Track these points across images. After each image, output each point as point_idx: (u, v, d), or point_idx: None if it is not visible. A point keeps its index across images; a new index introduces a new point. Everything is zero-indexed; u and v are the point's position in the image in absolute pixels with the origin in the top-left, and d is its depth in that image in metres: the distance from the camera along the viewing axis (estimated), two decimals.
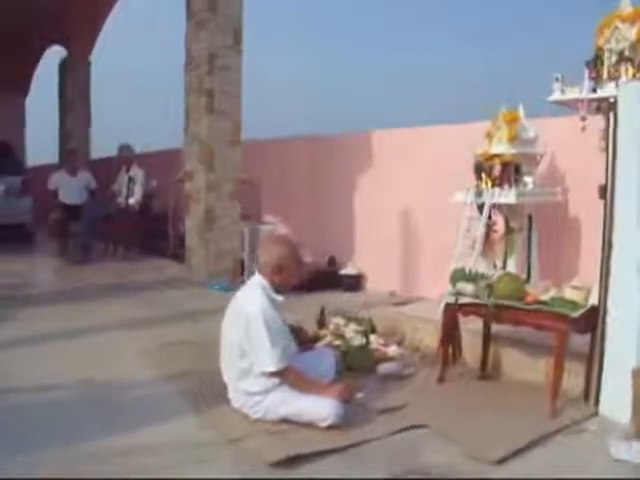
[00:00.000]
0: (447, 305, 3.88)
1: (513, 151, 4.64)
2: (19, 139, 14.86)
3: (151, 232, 8.79)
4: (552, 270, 4.76)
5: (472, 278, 3.91)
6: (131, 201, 8.31)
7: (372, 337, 4.63)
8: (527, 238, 4.87)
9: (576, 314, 3.27)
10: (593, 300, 3.45)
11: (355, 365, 4.03)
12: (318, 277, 6.99)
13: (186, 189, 6.79)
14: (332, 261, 7.42)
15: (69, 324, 5.05)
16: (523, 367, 3.96)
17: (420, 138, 6.33)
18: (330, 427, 3.09)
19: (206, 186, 6.49)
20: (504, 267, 4.72)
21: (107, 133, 10.75)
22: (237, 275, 6.78)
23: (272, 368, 3.13)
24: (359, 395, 3.31)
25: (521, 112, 4.79)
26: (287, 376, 3.17)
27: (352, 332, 4.66)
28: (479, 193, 4.74)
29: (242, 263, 6.97)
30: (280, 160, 8.25)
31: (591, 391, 3.49)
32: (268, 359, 3.13)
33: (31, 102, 15.29)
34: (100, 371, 3.96)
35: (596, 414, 3.38)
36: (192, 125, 6.55)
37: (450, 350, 3.97)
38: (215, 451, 2.92)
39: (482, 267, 4.71)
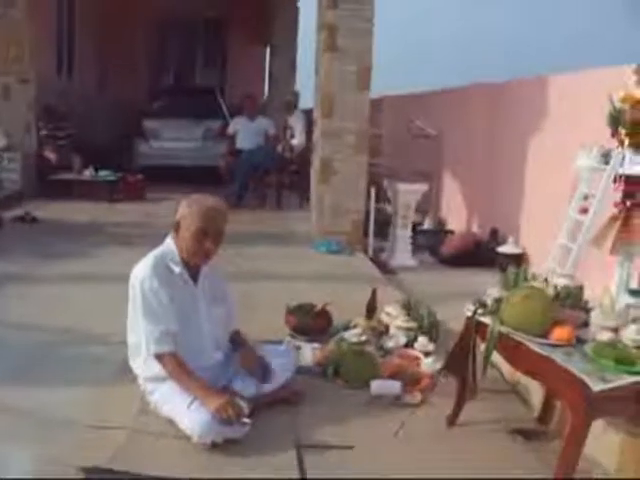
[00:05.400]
0: (467, 319, 2.65)
1: None
2: (259, 88, 15.31)
3: None
4: None
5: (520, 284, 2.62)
6: (294, 142, 7.92)
7: (420, 339, 3.55)
8: None
9: (600, 386, 1.88)
10: None
11: (346, 375, 3.05)
12: (474, 251, 5.92)
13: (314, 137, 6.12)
14: (494, 234, 6.17)
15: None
16: (594, 436, 2.54)
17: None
18: (204, 446, 2.36)
19: (322, 134, 5.72)
20: None
21: None
22: (355, 238, 5.95)
23: (145, 350, 2.51)
24: (245, 420, 2.42)
25: None
26: (165, 365, 2.49)
27: (396, 328, 3.64)
28: (606, 156, 3.24)
29: (366, 226, 6.11)
30: (459, 112, 7.11)
31: None
32: (144, 338, 2.51)
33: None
34: (92, 323, 3.66)
35: None
36: (319, 66, 5.81)
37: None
38: (47, 431, 2.48)
39: (620, 271, 3.27)
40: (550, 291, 2.37)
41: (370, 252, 6.10)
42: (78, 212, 7.15)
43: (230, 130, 8.68)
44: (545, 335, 2.16)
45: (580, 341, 2.21)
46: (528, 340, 2.14)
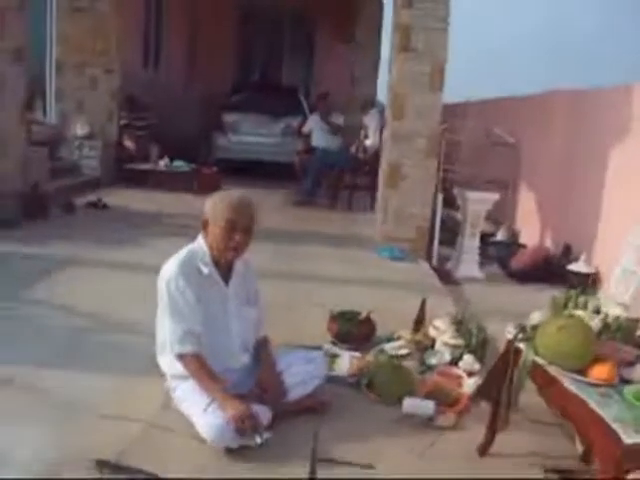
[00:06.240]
0: (508, 342, 2.46)
1: None
2: (344, 86, 15.18)
3: None
4: None
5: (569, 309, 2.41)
6: (367, 142, 7.80)
7: (466, 357, 3.36)
8: None
9: (633, 439, 1.64)
10: None
11: (379, 389, 2.91)
12: (545, 267, 5.65)
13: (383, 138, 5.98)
14: (567, 250, 5.86)
15: None
16: None
17: None
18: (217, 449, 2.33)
19: (392, 137, 5.56)
20: None
21: None
22: (420, 245, 5.77)
23: (168, 349, 2.50)
24: (264, 435, 2.34)
25: None
26: (186, 365, 2.46)
27: (442, 343, 3.46)
28: None
29: (431, 234, 5.91)
30: (538, 120, 6.82)
31: None
32: (168, 337, 2.49)
33: None
34: (132, 312, 3.67)
35: None
36: (392, 66, 5.66)
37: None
38: (64, 416, 2.52)
39: None
40: (596, 322, 2.14)
41: (434, 260, 5.90)
42: (149, 201, 7.31)
43: (305, 129, 8.67)
44: (583, 371, 1.94)
45: (625, 382, 1.98)
46: (561, 375, 1.94)
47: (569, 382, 1.90)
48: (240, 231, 2.50)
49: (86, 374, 2.89)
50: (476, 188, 6.04)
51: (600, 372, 1.90)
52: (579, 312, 2.19)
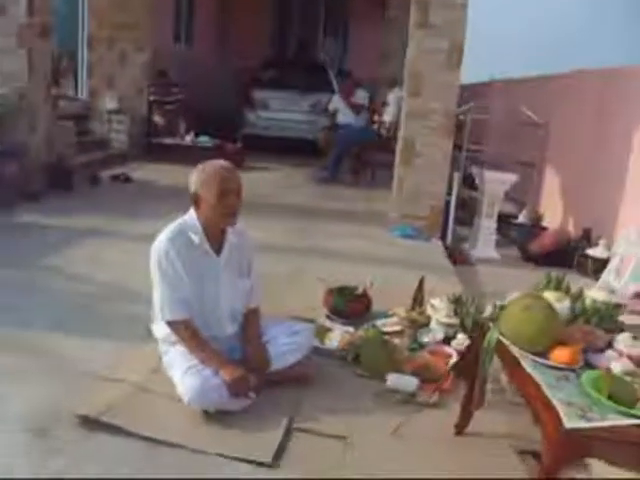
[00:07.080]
0: (483, 322, 2.48)
1: None
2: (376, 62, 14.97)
3: None
4: None
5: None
6: (385, 118, 7.80)
7: (460, 336, 3.39)
8: None
9: (574, 424, 1.63)
10: None
11: (365, 363, 2.97)
12: (564, 251, 5.60)
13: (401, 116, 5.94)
14: (586, 234, 5.79)
15: None
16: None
17: None
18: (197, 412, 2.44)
19: (408, 114, 5.52)
20: None
21: None
22: (434, 224, 5.76)
23: (159, 315, 2.60)
24: (251, 395, 2.50)
25: None
26: (177, 332, 2.57)
27: (437, 322, 3.49)
28: None
29: (446, 213, 5.89)
30: (565, 99, 6.71)
31: None
32: (159, 305, 2.60)
33: None
34: (139, 282, 3.70)
35: None
36: (409, 42, 5.59)
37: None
38: (61, 377, 2.67)
39: None
40: (565, 304, 2.15)
41: (449, 240, 5.89)
42: (171, 175, 7.40)
43: (330, 108, 8.68)
44: (545, 353, 1.96)
45: (590, 366, 1.99)
46: (521, 355, 1.96)
47: (528, 363, 1.91)
48: (233, 194, 2.57)
49: (89, 339, 3.04)
50: (505, 168, 6.00)
51: (561, 355, 1.91)
52: (547, 294, 2.20)
